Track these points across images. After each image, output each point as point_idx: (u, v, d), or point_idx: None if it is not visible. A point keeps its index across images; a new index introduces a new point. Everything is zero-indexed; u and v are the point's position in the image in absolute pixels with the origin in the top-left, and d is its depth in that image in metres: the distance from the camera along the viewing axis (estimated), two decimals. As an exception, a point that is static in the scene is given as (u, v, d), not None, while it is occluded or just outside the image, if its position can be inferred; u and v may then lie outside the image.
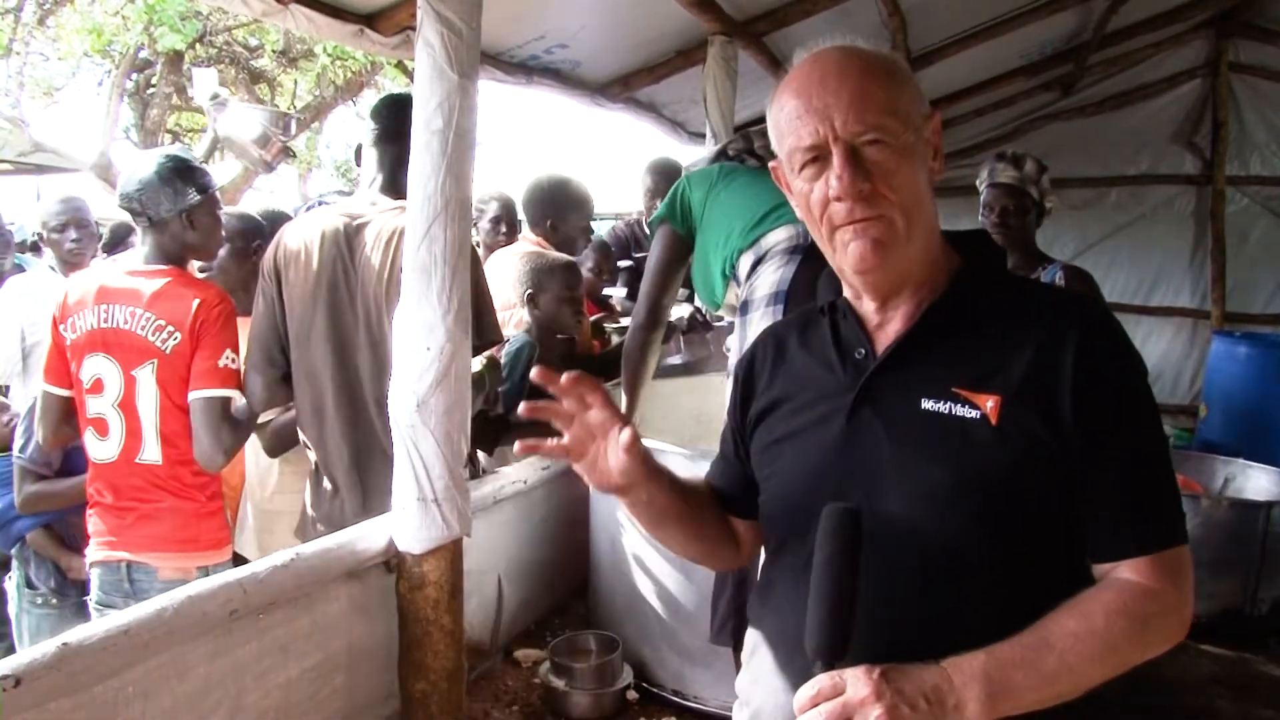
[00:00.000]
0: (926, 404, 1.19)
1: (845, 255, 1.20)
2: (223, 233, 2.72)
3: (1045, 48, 5.79)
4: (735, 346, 2.41)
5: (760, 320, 2.29)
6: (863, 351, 1.27)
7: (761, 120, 2.92)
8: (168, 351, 2.43)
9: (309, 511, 2.51)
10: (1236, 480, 3.89)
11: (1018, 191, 3.33)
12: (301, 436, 2.52)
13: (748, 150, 2.78)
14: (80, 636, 1.54)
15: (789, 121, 1.21)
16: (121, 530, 2.48)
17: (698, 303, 3.48)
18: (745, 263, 2.43)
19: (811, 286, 2.22)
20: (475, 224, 4.32)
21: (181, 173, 2.53)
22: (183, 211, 2.51)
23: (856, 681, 1.04)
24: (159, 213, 2.49)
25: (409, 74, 2.25)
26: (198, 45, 11.45)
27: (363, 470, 2.42)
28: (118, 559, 2.47)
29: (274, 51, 12.05)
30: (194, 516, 2.51)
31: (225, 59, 12.20)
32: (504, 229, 4.11)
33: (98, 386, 2.47)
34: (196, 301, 2.45)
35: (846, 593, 1.08)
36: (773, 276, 2.31)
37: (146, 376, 2.44)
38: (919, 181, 1.20)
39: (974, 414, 1.16)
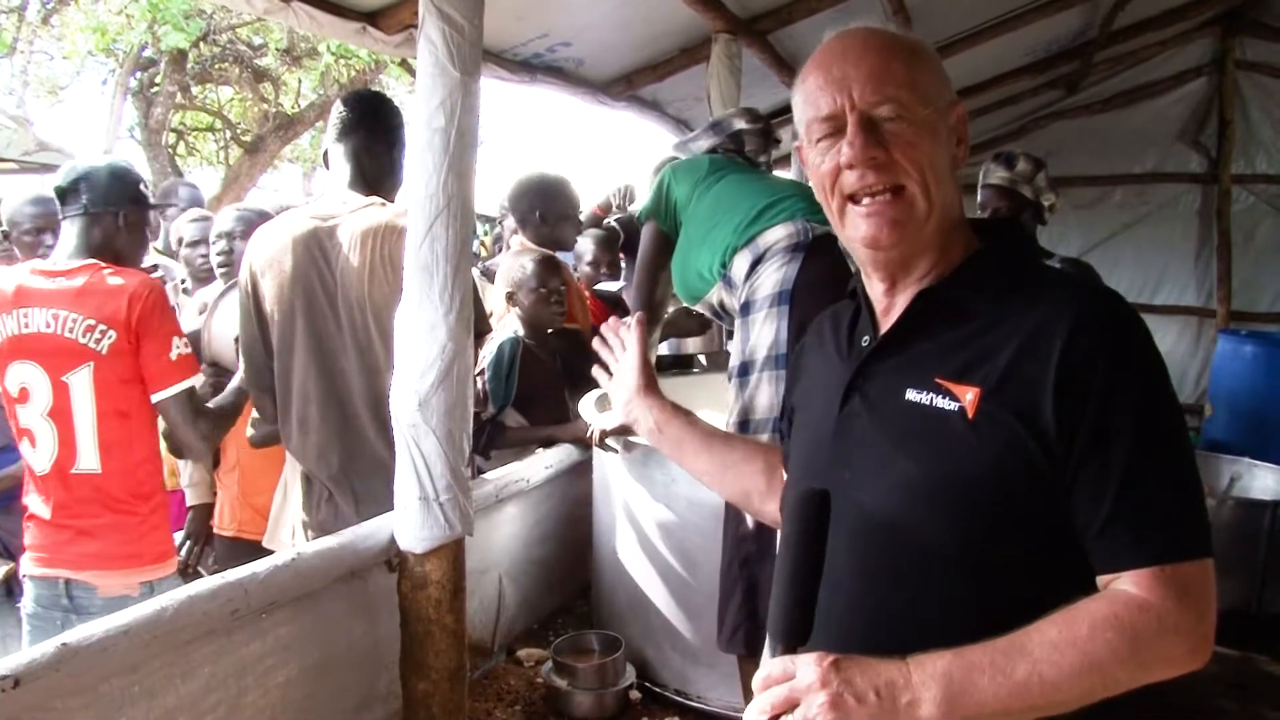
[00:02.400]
0: (910, 394, 1.16)
1: (856, 230, 1.18)
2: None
3: (1051, 45, 5.77)
4: (736, 349, 2.36)
5: (765, 321, 2.26)
6: (867, 339, 1.26)
7: (765, 118, 2.89)
8: (104, 352, 2.30)
9: (303, 518, 2.47)
10: (1242, 479, 3.88)
11: (1008, 192, 3.33)
12: (287, 446, 2.47)
13: (737, 149, 2.75)
14: (79, 637, 1.54)
15: (809, 94, 1.20)
16: (59, 547, 2.36)
17: None
18: (741, 262, 2.37)
19: (816, 284, 2.21)
20: (499, 223, 4.31)
21: (130, 176, 2.49)
22: (122, 210, 2.43)
23: (806, 667, 1.01)
24: (98, 202, 2.40)
25: (413, 72, 2.24)
26: (201, 44, 11.46)
27: (352, 477, 2.38)
28: (55, 575, 2.36)
29: (278, 50, 12.02)
30: (135, 531, 2.39)
31: (229, 57, 12.19)
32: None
33: (24, 396, 2.35)
34: (128, 295, 2.31)
35: (806, 576, 1.06)
36: (775, 275, 2.26)
37: (82, 381, 2.31)
38: (940, 158, 1.17)
39: (952, 406, 1.12)
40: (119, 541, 2.37)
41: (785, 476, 1.47)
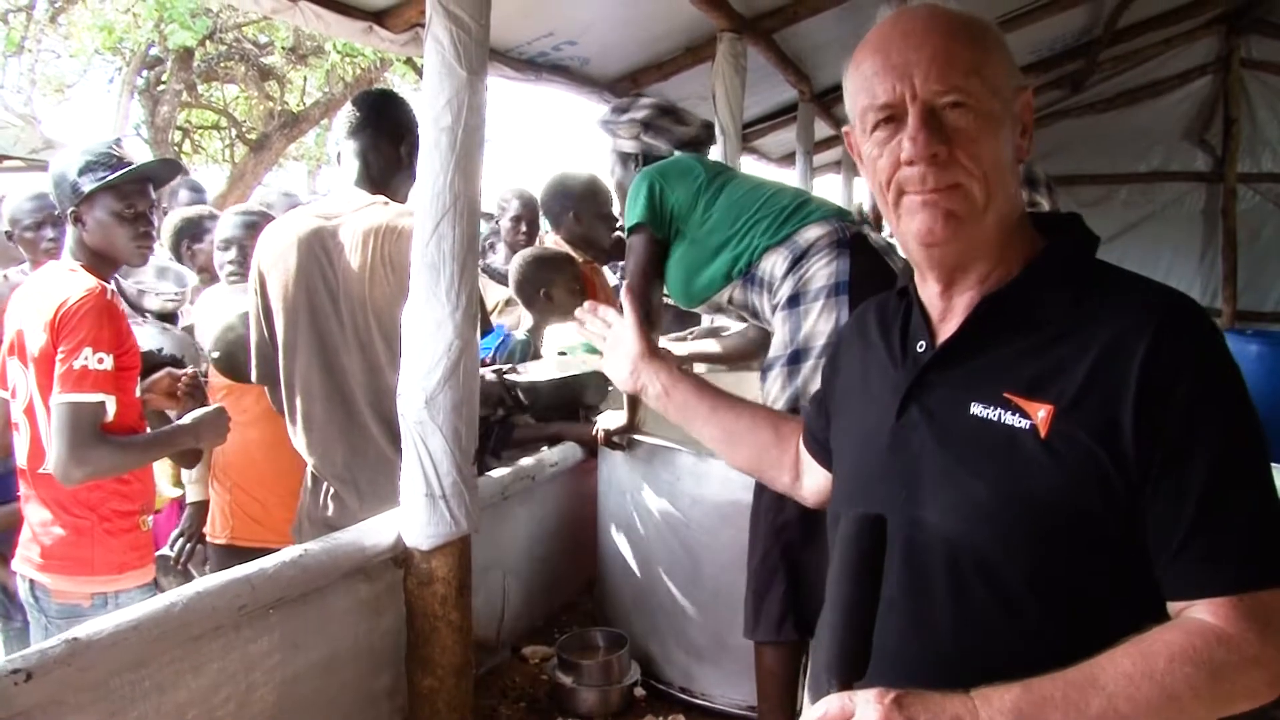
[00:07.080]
0: (976, 409, 1.09)
1: (911, 223, 1.10)
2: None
3: (1055, 44, 5.78)
4: (783, 339, 2.39)
5: (823, 311, 2.31)
6: (923, 345, 1.18)
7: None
8: (36, 354, 2.26)
9: (306, 516, 2.48)
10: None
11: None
12: (294, 443, 2.47)
13: (695, 145, 2.81)
14: (89, 631, 1.55)
15: (865, 79, 1.12)
16: (26, 544, 2.37)
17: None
18: (773, 260, 2.43)
19: (867, 277, 2.26)
20: (496, 221, 4.33)
21: (74, 166, 2.34)
22: (71, 210, 2.34)
23: (866, 705, 0.94)
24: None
25: (419, 71, 2.25)
26: (208, 42, 11.48)
27: (357, 473, 2.39)
28: (24, 573, 2.37)
29: (284, 48, 12.05)
30: (86, 538, 2.35)
31: (235, 56, 12.22)
32: (524, 228, 4.12)
33: (14, 391, 2.37)
34: (62, 298, 2.23)
35: (863, 607, 1.01)
36: (828, 269, 2.33)
37: (33, 382, 2.29)
38: (1002, 153, 1.09)
39: (1024, 424, 1.05)
40: (69, 544, 2.34)
41: (804, 457, 1.44)
